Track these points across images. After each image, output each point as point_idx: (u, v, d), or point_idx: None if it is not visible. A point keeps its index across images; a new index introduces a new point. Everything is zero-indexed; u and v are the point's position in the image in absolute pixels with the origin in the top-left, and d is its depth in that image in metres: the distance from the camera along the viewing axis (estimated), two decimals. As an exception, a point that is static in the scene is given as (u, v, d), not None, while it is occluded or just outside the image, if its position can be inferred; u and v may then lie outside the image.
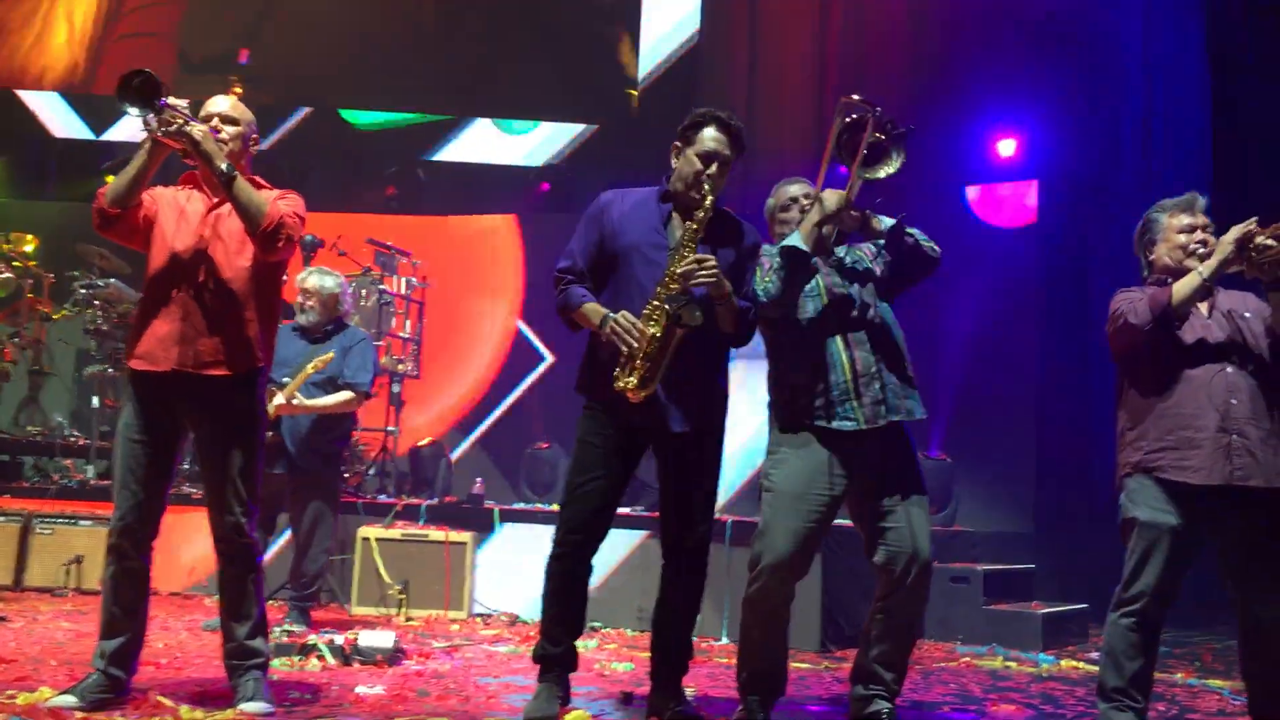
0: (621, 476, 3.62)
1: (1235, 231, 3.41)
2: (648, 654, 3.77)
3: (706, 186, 3.52)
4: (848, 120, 3.48)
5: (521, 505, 7.01)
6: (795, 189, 3.78)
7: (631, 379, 3.42)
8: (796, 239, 3.51)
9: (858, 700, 3.60)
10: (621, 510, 6.19)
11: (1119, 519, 3.54)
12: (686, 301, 3.39)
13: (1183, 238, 3.60)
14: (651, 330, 3.40)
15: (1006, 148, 8.36)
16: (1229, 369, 3.44)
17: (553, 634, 3.62)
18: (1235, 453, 3.36)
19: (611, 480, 3.59)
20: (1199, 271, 3.43)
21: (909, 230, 3.60)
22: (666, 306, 3.40)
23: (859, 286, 3.66)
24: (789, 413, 3.61)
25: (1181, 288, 3.42)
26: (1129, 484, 3.50)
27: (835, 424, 3.52)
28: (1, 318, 8.09)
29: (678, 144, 3.65)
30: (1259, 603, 3.40)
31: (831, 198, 3.50)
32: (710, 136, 3.58)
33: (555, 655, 3.61)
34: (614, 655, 4.99)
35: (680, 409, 3.53)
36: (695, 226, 3.49)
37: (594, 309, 3.54)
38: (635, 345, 3.40)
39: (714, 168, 3.54)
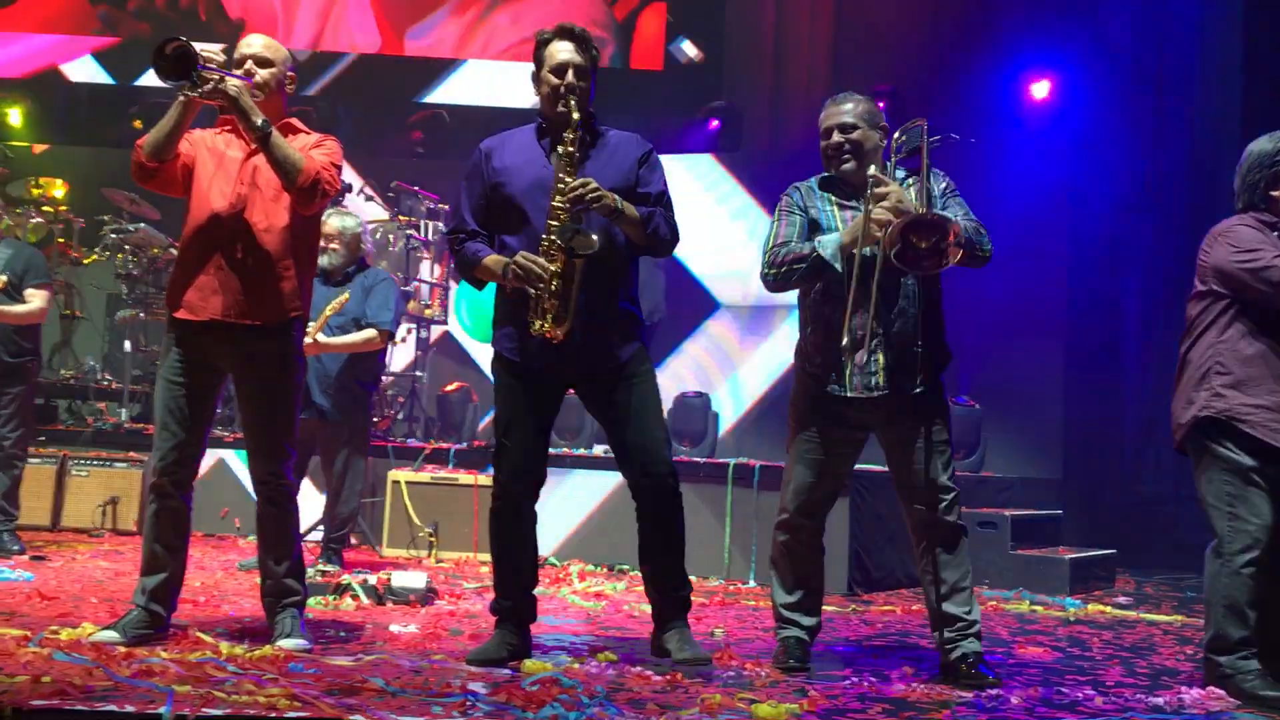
0: (543, 423, 3.58)
1: None
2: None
3: (572, 100, 3.44)
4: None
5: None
6: (844, 116, 3.57)
7: (546, 320, 3.38)
8: (833, 248, 3.43)
9: (944, 645, 3.55)
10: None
11: (1199, 460, 3.50)
12: (577, 230, 3.34)
13: None
14: (553, 267, 3.36)
15: (1040, 90, 8.22)
16: None
17: (504, 588, 3.61)
18: None
19: (533, 429, 3.55)
20: None
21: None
22: (558, 240, 3.36)
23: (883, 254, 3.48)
24: (799, 366, 3.65)
25: None
26: (1217, 430, 3.44)
27: (830, 388, 3.54)
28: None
29: (534, 74, 3.58)
30: None
31: (874, 221, 3.38)
32: (557, 49, 3.51)
33: (509, 608, 3.59)
34: (642, 597, 5.03)
35: (591, 348, 3.47)
36: (569, 149, 3.42)
37: (495, 260, 3.48)
38: (540, 284, 3.36)
39: (570, 75, 3.48)
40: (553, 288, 3.37)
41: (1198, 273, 3.56)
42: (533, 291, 3.38)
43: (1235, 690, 3.35)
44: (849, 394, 3.52)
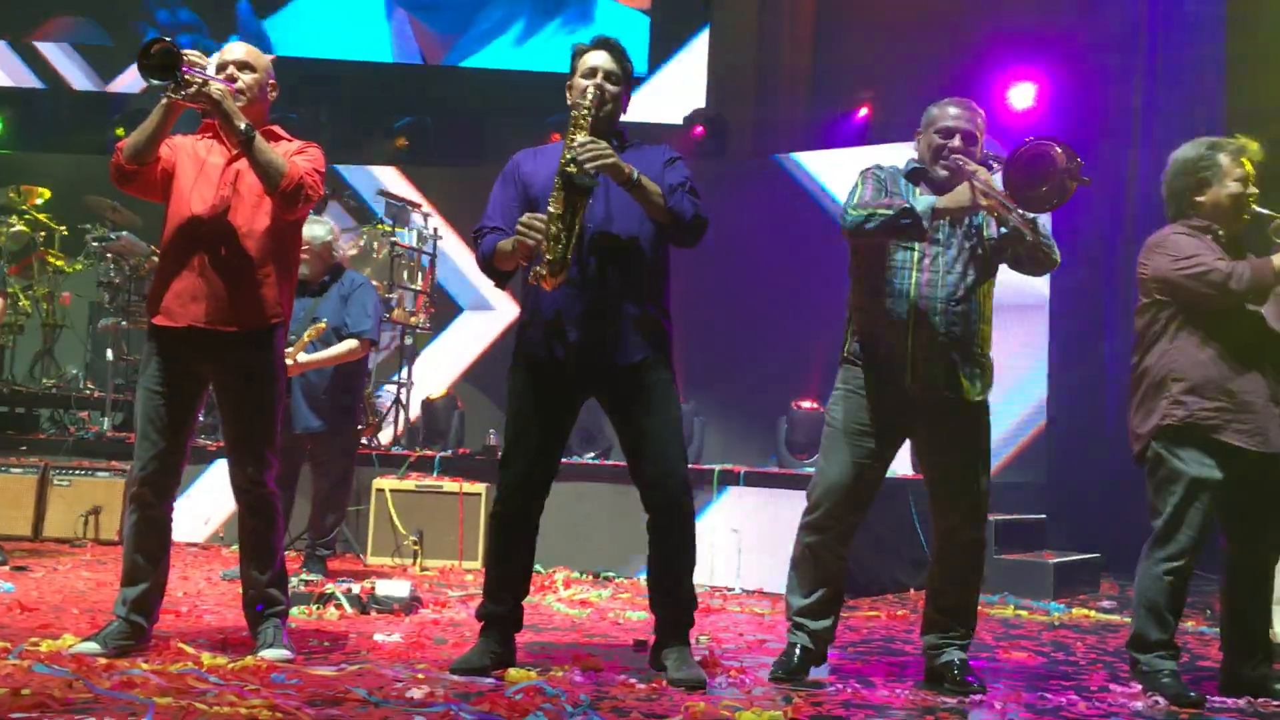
0: (556, 430, 3.55)
1: None
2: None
3: (590, 93, 3.46)
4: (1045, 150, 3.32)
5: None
6: (971, 125, 3.55)
7: (542, 266, 3.34)
8: (925, 206, 3.39)
9: (929, 650, 3.61)
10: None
11: (1154, 469, 3.53)
12: (574, 162, 3.31)
13: (1240, 187, 3.51)
14: (552, 208, 3.34)
15: (1023, 96, 8.24)
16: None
17: (495, 594, 3.58)
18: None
19: (545, 435, 3.52)
20: None
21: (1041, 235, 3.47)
22: (557, 177, 3.34)
23: (955, 249, 3.53)
24: (860, 360, 3.61)
25: None
26: (1175, 437, 3.48)
27: (892, 385, 3.52)
28: (14, 271, 8.10)
29: (568, 83, 3.60)
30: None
31: (980, 191, 3.37)
32: (591, 56, 3.55)
33: (497, 614, 3.56)
34: (628, 604, 5.03)
35: (608, 344, 3.46)
36: (580, 114, 3.42)
37: (506, 241, 3.48)
38: (541, 232, 3.32)
39: (599, 76, 3.51)
40: (552, 231, 3.33)
41: (1139, 286, 3.61)
42: (533, 242, 3.34)
43: (1151, 687, 3.45)
44: (920, 393, 3.50)
